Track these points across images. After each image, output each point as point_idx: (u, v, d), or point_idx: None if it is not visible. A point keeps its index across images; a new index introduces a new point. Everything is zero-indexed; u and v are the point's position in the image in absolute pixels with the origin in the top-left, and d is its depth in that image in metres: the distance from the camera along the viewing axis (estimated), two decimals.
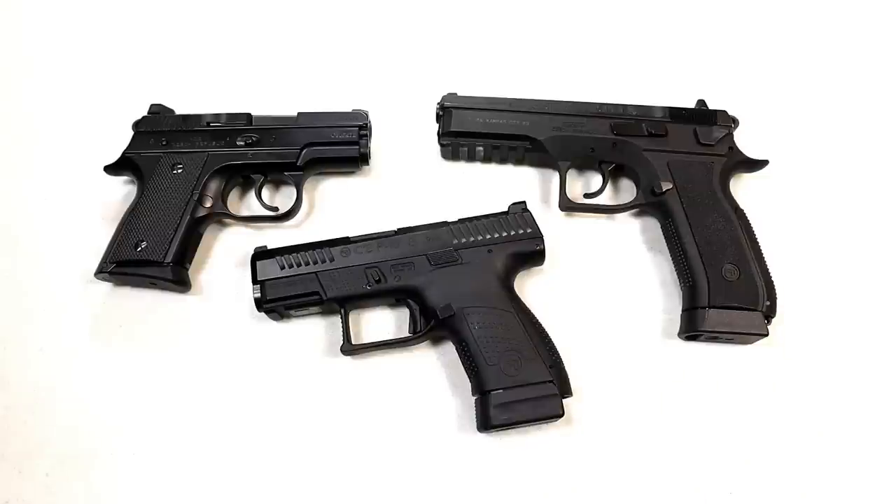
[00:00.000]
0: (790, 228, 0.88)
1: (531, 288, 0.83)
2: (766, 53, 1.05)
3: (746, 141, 0.88)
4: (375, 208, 0.90)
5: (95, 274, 0.80)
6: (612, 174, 0.90)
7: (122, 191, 0.91)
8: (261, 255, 0.78)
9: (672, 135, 0.86)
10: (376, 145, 0.92)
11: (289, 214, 0.87)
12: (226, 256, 0.87)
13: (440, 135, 0.89)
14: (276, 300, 0.76)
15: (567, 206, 0.86)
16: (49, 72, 1.03)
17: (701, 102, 0.91)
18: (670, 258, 0.83)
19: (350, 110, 0.89)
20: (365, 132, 0.88)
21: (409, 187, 0.92)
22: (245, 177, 0.90)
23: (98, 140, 0.93)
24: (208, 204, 0.84)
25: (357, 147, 0.87)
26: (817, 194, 0.91)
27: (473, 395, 0.74)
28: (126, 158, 0.86)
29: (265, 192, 0.91)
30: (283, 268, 0.77)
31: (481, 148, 0.90)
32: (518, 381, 0.70)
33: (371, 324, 0.81)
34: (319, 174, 0.92)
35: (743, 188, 0.89)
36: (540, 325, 0.75)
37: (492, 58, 1.04)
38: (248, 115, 0.89)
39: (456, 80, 0.96)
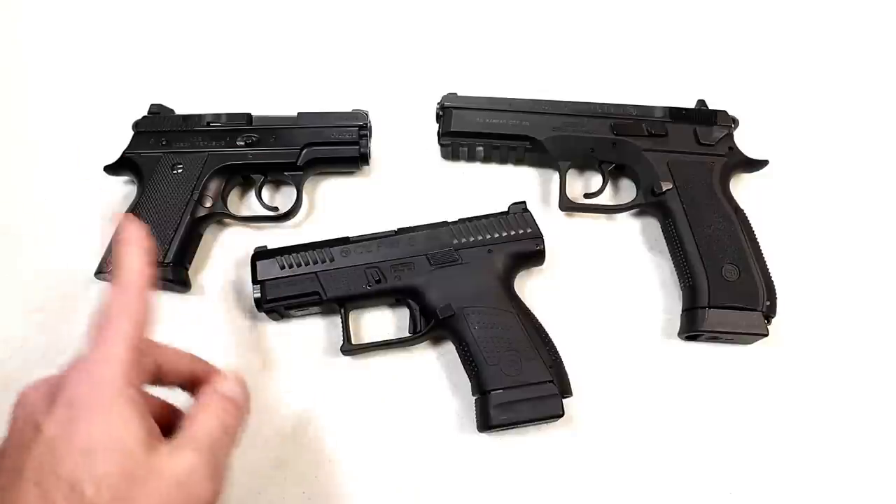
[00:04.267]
0: (790, 228, 0.88)
1: (531, 288, 0.83)
2: (766, 53, 1.05)
3: (746, 141, 0.88)
4: (375, 208, 0.90)
5: (95, 274, 0.80)
6: (612, 174, 0.90)
7: (122, 191, 0.91)
8: (261, 255, 0.78)
9: (672, 135, 0.86)
10: (376, 145, 0.92)
11: (289, 214, 0.87)
12: (226, 256, 0.87)
13: (440, 135, 0.89)
14: (277, 300, 0.76)
15: (567, 206, 0.86)
16: (49, 71, 1.03)
17: (701, 102, 0.91)
18: (670, 258, 0.83)
19: (350, 110, 0.89)
20: (365, 132, 0.88)
21: (409, 187, 0.92)
22: (245, 177, 0.90)
23: (98, 140, 0.93)
24: (208, 204, 0.84)
25: (357, 147, 0.87)
26: (817, 194, 0.91)
27: (473, 395, 0.74)
28: (126, 158, 0.86)
29: (265, 192, 0.91)
30: (283, 268, 0.77)
31: (481, 148, 0.90)
32: (518, 381, 0.70)
33: (371, 324, 0.81)
34: (319, 174, 0.92)
35: (743, 188, 0.89)
36: (540, 325, 0.75)
37: (492, 58, 1.04)
38: (248, 115, 0.89)
39: (456, 80, 0.96)
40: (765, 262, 0.79)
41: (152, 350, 0.56)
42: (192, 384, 0.59)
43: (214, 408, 0.55)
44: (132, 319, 0.53)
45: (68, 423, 0.47)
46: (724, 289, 0.76)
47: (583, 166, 0.92)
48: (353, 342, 0.77)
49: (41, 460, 0.46)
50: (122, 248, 0.57)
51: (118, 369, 0.49)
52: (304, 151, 0.87)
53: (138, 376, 0.51)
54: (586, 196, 0.89)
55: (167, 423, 0.54)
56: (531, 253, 0.78)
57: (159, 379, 0.57)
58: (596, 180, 0.91)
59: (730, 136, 0.86)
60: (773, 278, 0.78)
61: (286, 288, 0.76)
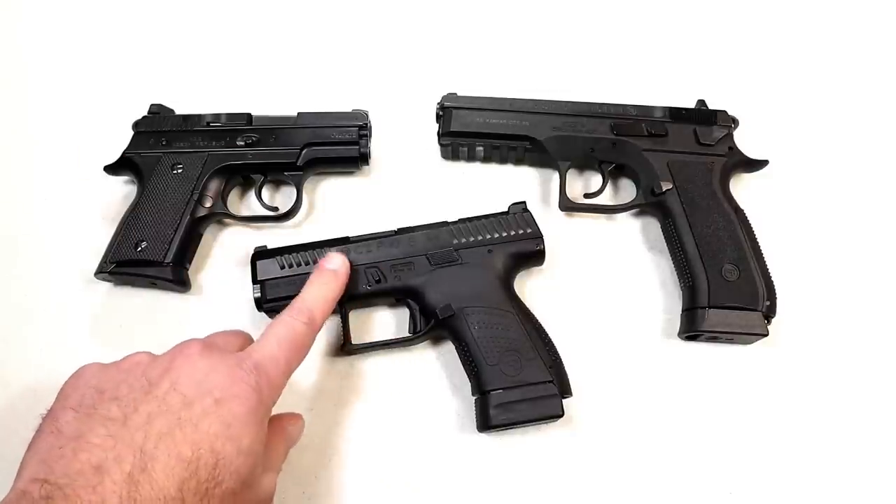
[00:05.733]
0: (790, 228, 0.88)
1: (531, 288, 0.83)
2: (766, 53, 1.05)
3: (746, 141, 0.88)
4: (375, 208, 0.90)
5: (95, 274, 0.80)
6: (612, 174, 0.90)
7: (122, 191, 0.91)
8: (261, 254, 0.78)
9: (672, 135, 0.86)
10: (376, 145, 0.92)
11: (289, 214, 0.87)
12: (226, 256, 0.87)
13: (440, 135, 0.89)
14: (277, 300, 0.76)
15: (567, 206, 0.86)
16: (49, 71, 1.03)
17: (701, 102, 0.91)
18: (670, 258, 0.83)
19: (350, 110, 0.89)
20: (365, 132, 0.88)
21: (409, 187, 0.92)
22: (245, 177, 0.90)
23: (98, 140, 0.93)
24: (208, 204, 0.84)
25: (357, 147, 0.87)
26: (817, 194, 0.91)
27: (473, 395, 0.74)
28: (126, 158, 0.86)
29: (265, 192, 0.91)
30: (283, 267, 0.77)
31: (481, 148, 0.90)
32: (518, 381, 0.70)
33: (371, 324, 0.81)
34: (319, 174, 0.92)
35: (743, 188, 0.89)
36: (540, 325, 0.75)
37: (492, 58, 1.04)
38: (248, 115, 0.89)
39: (456, 80, 0.96)
40: (765, 262, 0.79)
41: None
42: None
43: (287, 428, 0.64)
44: (299, 348, 0.63)
45: (216, 405, 0.52)
46: (724, 289, 0.76)
47: (583, 166, 0.92)
48: (353, 342, 0.77)
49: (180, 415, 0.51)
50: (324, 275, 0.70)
51: (276, 394, 0.58)
52: (304, 151, 0.87)
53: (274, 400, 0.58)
54: (586, 196, 0.89)
55: None
56: (531, 253, 0.78)
57: None
58: (596, 180, 0.91)
59: (730, 136, 0.86)
60: (773, 278, 0.78)
61: (286, 288, 0.76)
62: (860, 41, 1.06)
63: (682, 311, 0.80)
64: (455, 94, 0.89)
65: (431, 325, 0.75)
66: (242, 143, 0.87)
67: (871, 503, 0.73)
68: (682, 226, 0.81)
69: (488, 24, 1.08)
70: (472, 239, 0.78)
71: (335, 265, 0.72)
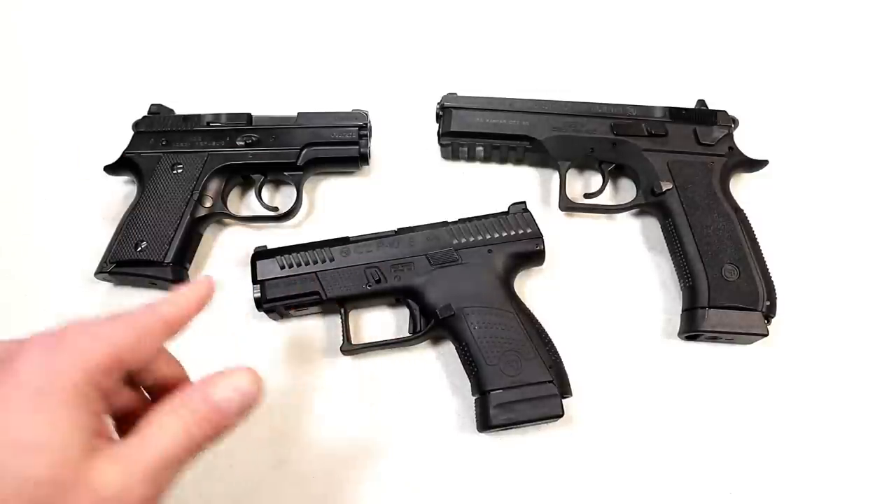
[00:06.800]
0: (790, 228, 0.88)
1: (531, 288, 0.83)
2: (766, 53, 1.05)
3: (746, 141, 0.89)
4: (375, 208, 0.90)
5: (95, 274, 0.80)
6: (612, 174, 0.90)
7: (122, 191, 0.91)
8: (261, 254, 0.78)
9: (672, 135, 0.86)
10: (376, 145, 0.92)
11: (289, 214, 0.87)
12: (226, 256, 0.87)
13: (440, 135, 0.89)
14: (276, 300, 0.76)
15: (567, 206, 0.86)
16: (49, 71, 1.03)
17: (701, 102, 0.91)
18: (670, 258, 0.83)
19: (350, 110, 0.89)
20: (365, 132, 0.88)
21: (409, 187, 0.92)
22: (245, 177, 0.90)
23: (98, 140, 0.93)
24: (208, 204, 0.84)
25: (357, 147, 0.87)
26: (817, 194, 0.91)
27: (473, 395, 0.74)
28: (126, 158, 0.86)
29: (265, 192, 0.91)
30: (283, 267, 0.77)
31: (481, 148, 0.90)
32: (518, 382, 0.70)
33: (371, 324, 0.81)
34: (319, 174, 0.92)
35: (743, 188, 0.89)
36: (540, 325, 0.75)
37: (492, 58, 1.04)
38: (248, 115, 0.89)
39: (456, 80, 0.96)
40: (765, 262, 0.79)
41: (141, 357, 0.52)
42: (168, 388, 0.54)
43: (185, 414, 0.48)
44: (136, 330, 0.51)
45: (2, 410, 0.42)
46: (723, 289, 0.76)
47: (583, 166, 0.92)
48: (353, 342, 0.77)
49: None
50: (190, 287, 0.58)
51: (85, 364, 0.45)
52: (304, 151, 0.87)
53: (106, 379, 0.47)
54: (586, 196, 0.89)
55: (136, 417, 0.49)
56: (531, 253, 0.78)
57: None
58: (596, 180, 0.91)
59: (730, 136, 0.86)
60: (773, 278, 0.78)
61: (286, 288, 0.76)
62: (860, 41, 1.06)
63: (682, 311, 0.80)
64: (455, 94, 0.89)
65: (431, 325, 0.75)
66: (242, 143, 0.87)
67: (871, 503, 0.73)
68: (682, 226, 0.81)
69: (488, 24, 1.08)
70: (472, 239, 0.78)
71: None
